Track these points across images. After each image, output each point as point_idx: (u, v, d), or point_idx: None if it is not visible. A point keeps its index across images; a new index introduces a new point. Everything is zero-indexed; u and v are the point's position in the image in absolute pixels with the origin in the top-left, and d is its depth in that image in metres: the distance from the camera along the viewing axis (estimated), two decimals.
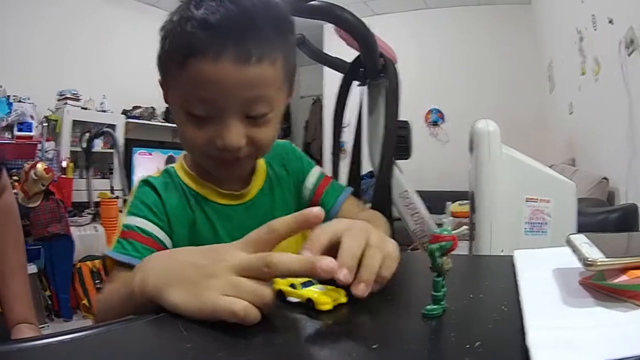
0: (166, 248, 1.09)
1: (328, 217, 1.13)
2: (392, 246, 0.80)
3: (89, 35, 7.37)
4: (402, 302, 0.78)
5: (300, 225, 0.71)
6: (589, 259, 0.61)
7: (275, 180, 1.29)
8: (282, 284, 0.74)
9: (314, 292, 0.70)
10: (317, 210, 0.71)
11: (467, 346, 0.52)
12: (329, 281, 0.69)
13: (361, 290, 0.70)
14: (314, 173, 1.36)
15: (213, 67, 0.96)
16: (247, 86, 0.99)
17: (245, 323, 0.60)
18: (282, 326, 0.64)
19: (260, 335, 0.60)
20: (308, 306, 0.69)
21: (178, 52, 0.99)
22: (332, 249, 0.73)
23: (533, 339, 0.49)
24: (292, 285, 0.72)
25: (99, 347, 0.58)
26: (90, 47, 7.35)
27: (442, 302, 0.64)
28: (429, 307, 0.64)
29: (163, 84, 1.11)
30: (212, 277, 0.66)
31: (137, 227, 1.09)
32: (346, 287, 0.70)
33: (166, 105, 1.17)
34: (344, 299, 0.70)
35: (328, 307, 0.68)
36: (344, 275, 0.68)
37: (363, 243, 0.76)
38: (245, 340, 0.58)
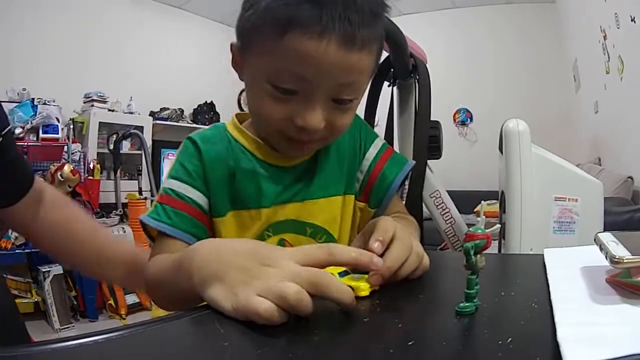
0: (202, 210, 1.09)
1: (388, 194, 1.24)
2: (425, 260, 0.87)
3: (115, 37, 7.41)
4: (435, 300, 0.79)
5: (359, 264, 0.74)
6: (616, 257, 0.63)
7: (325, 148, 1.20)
8: None
9: (353, 280, 0.76)
10: (377, 260, 0.75)
11: (500, 342, 0.54)
12: (361, 271, 0.76)
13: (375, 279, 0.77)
14: (378, 143, 1.30)
15: (317, 44, 0.89)
16: (347, 70, 0.94)
17: (271, 323, 0.61)
18: (320, 322, 0.64)
19: (299, 332, 0.61)
20: None
21: (277, 21, 0.91)
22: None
23: (563, 335, 0.51)
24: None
25: (134, 347, 0.59)
26: (115, 49, 7.40)
27: (475, 300, 0.66)
28: (462, 304, 0.65)
29: (241, 49, 1.05)
30: (252, 279, 0.67)
31: (172, 190, 1.09)
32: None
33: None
34: (377, 286, 0.76)
35: (366, 292, 0.74)
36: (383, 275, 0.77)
37: (408, 253, 0.83)
38: (284, 336, 0.60)
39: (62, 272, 4.80)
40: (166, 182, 1.12)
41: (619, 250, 0.64)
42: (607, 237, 0.71)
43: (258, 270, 0.69)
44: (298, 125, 0.98)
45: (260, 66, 0.98)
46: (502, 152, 1.54)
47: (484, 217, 0.72)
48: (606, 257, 0.65)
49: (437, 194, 2.14)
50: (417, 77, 2.12)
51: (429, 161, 2.12)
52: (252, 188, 1.13)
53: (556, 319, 0.57)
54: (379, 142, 1.30)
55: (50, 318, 4.70)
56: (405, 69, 2.15)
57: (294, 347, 0.57)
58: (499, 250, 1.52)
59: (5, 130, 1.19)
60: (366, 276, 0.76)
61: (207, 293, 0.70)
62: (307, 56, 0.90)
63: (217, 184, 1.12)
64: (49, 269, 4.72)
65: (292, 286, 0.63)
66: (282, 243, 1.15)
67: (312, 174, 1.19)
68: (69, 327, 4.72)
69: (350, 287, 0.69)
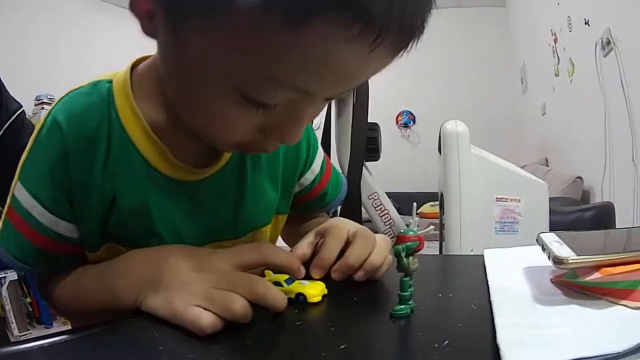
0: (63, 240, 0.78)
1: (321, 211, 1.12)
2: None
3: (74, 40, 7.31)
4: (370, 303, 0.76)
5: (287, 269, 0.72)
6: (559, 257, 0.61)
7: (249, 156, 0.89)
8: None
9: (302, 286, 0.73)
10: (302, 271, 0.73)
11: (436, 345, 0.52)
12: (306, 276, 0.74)
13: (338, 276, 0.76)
14: (318, 162, 1.04)
15: (363, 47, 0.54)
16: (370, 75, 0.65)
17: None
18: (254, 326, 0.62)
19: (233, 337, 0.59)
20: (298, 301, 0.71)
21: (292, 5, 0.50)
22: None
23: (503, 337, 0.49)
24: (277, 283, 0.72)
25: (72, 353, 0.57)
26: (74, 53, 7.30)
27: (409, 302, 0.64)
28: (396, 307, 0.63)
29: (174, 14, 0.60)
30: (188, 284, 0.64)
31: (23, 208, 0.75)
32: (324, 280, 0.75)
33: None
34: (325, 291, 0.73)
35: (318, 298, 0.71)
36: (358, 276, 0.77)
37: (370, 249, 0.79)
38: (218, 341, 0.58)
39: (17, 277, 4.67)
40: (17, 189, 0.77)
41: (563, 251, 0.63)
42: (550, 238, 0.69)
43: (193, 275, 0.66)
44: (273, 138, 0.69)
45: (228, 64, 0.59)
46: (440, 153, 1.53)
47: (417, 218, 0.70)
48: (549, 257, 0.64)
49: (375, 196, 2.14)
50: None
51: (367, 163, 2.12)
52: (142, 218, 0.79)
53: (496, 321, 0.55)
54: (321, 152, 1.06)
55: (9, 325, 4.57)
56: None
57: (228, 352, 0.56)
58: (440, 252, 1.52)
59: (18, 112, 1.15)
60: (315, 282, 0.74)
61: (144, 303, 0.66)
62: (336, 63, 0.56)
63: (82, 198, 0.76)
64: (4, 275, 4.56)
65: (238, 299, 0.60)
66: None
67: (238, 193, 0.89)
68: (26, 334, 4.60)
69: (302, 294, 0.70)
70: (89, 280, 0.77)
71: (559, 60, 4.68)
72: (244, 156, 0.87)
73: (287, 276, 0.74)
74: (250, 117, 0.64)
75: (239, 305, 0.59)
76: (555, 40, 4.76)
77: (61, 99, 0.77)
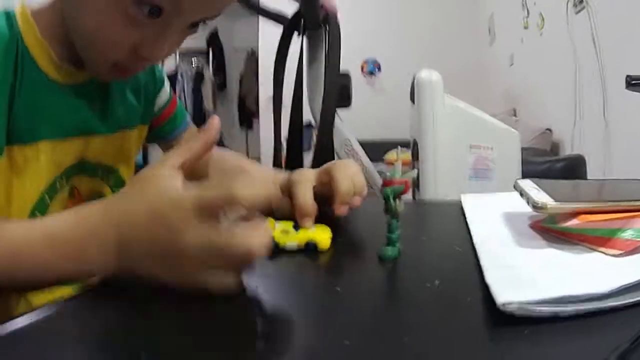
0: None
1: (171, 136, 1.14)
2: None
3: None
4: (356, 246, 0.79)
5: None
6: (539, 203, 0.64)
7: None
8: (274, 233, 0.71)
9: (312, 233, 0.72)
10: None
11: (428, 285, 0.54)
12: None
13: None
14: (167, 87, 1.14)
15: None
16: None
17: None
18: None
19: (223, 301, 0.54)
20: (308, 249, 0.70)
21: None
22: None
23: (491, 278, 0.51)
24: (285, 232, 0.72)
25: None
26: None
27: (397, 244, 0.66)
28: (384, 248, 0.65)
29: None
30: (183, 244, 0.55)
31: None
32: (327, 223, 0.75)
33: None
34: (331, 234, 0.73)
35: (328, 243, 0.71)
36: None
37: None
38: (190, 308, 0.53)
39: None
40: None
41: (541, 197, 0.65)
42: (528, 184, 0.72)
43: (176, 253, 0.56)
44: (141, 55, 0.77)
45: None
46: (413, 102, 1.55)
47: (400, 163, 0.72)
48: (528, 203, 0.67)
49: (347, 142, 2.15)
50: (328, 27, 2.11)
51: (339, 111, 2.13)
52: (30, 114, 0.81)
53: (482, 263, 0.57)
54: (168, 84, 1.15)
55: None
56: (316, 19, 2.15)
57: (226, 300, 0.54)
58: (413, 198, 1.54)
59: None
60: (320, 226, 0.74)
61: (137, 268, 0.58)
62: None
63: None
64: None
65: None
66: (72, 192, 0.93)
67: (104, 98, 0.95)
68: None
69: (312, 241, 0.70)
70: (31, 246, 0.62)
71: (528, 14, 4.70)
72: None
73: (292, 223, 0.74)
74: (135, 29, 0.73)
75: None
76: None
77: None
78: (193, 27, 0.80)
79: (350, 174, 0.84)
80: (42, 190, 0.85)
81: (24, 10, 0.81)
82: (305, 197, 0.79)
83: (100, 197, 0.98)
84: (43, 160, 0.83)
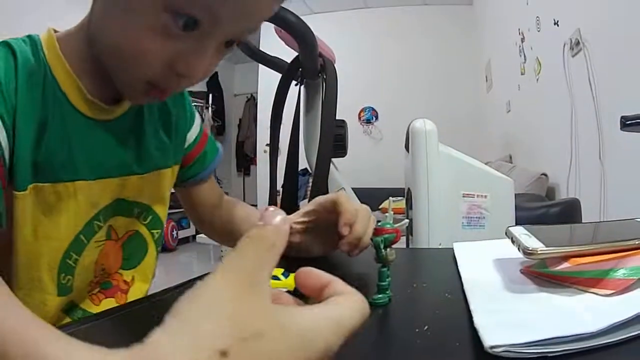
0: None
1: (198, 178, 1.12)
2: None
3: None
4: None
5: None
6: (529, 249, 0.64)
7: (146, 106, 0.96)
8: None
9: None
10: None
11: (417, 330, 0.55)
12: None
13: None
14: (198, 121, 1.12)
15: None
16: (267, 13, 0.74)
17: None
18: None
19: None
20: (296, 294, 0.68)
21: None
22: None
23: (479, 321, 0.52)
24: (275, 278, 0.72)
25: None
26: None
27: (387, 291, 0.67)
28: (375, 296, 0.66)
29: None
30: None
31: None
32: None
33: None
34: None
35: None
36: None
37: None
38: None
39: None
40: None
41: (532, 242, 0.66)
42: (519, 230, 0.73)
43: None
44: (178, 71, 0.73)
45: None
46: (408, 151, 1.56)
47: (392, 212, 0.73)
48: (519, 249, 0.67)
49: (342, 192, 2.16)
50: (325, 76, 2.14)
51: (334, 159, 2.14)
52: (64, 151, 0.80)
53: (471, 307, 0.58)
54: (199, 118, 1.14)
55: None
56: (314, 68, 2.17)
57: None
58: (407, 246, 1.55)
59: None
60: None
61: None
62: None
63: (25, 130, 0.74)
64: None
65: None
66: (109, 233, 0.93)
67: (138, 135, 0.94)
68: None
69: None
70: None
71: (525, 59, 4.74)
72: (141, 107, 0.93)
73: (282, 270, 0.74)
74: (171, 41, 0.69)
75: None
76: (522, 40, 4.81)
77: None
78: (229, 45, 0.77)
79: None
80: (78, 230, 0.85)
81: (51, 38, 0.81)
82: (363, 229, 0.85)
83: (138, 236, 0.99)
84: (81, 200, 0.83)
